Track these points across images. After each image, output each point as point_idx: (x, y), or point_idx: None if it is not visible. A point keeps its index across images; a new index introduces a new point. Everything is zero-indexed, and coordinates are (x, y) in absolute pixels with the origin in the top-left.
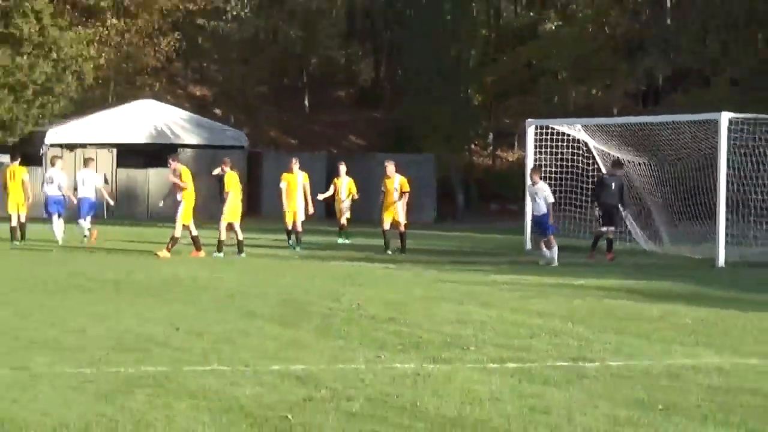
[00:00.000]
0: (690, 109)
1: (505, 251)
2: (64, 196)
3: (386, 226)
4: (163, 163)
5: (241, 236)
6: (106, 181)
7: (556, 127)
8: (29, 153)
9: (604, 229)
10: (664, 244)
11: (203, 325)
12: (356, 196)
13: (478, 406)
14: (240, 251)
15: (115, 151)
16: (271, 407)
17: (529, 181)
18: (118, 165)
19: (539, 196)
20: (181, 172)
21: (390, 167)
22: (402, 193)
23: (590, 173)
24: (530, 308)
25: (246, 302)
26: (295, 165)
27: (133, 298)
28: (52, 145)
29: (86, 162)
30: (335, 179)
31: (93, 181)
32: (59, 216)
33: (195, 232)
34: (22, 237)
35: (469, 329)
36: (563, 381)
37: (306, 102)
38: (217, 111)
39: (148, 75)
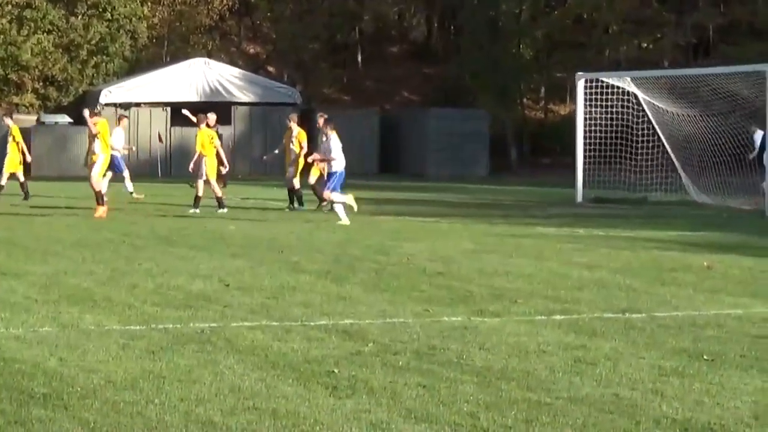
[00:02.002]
0: (740, 62)
1: (557, 204)
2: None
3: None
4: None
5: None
6: (160, 140)
7: (605, 80)
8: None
9: None
10: (715, 196)
11: (253, 280)
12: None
13: (525, 358)
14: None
15: (168, 109)
16: (318, 362)
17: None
18: (172, 124)
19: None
20: (299, 134)
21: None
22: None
23: (640, 126)
24: (579, 260)
25: (296, 257)
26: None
27: (185, 253)
28: (106, 105)
29: (119, 119)
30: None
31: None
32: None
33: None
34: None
35: (517, 282)
36: (610, 332)
37: (359, 58)
38: (271, 69)
39: (201, 33)
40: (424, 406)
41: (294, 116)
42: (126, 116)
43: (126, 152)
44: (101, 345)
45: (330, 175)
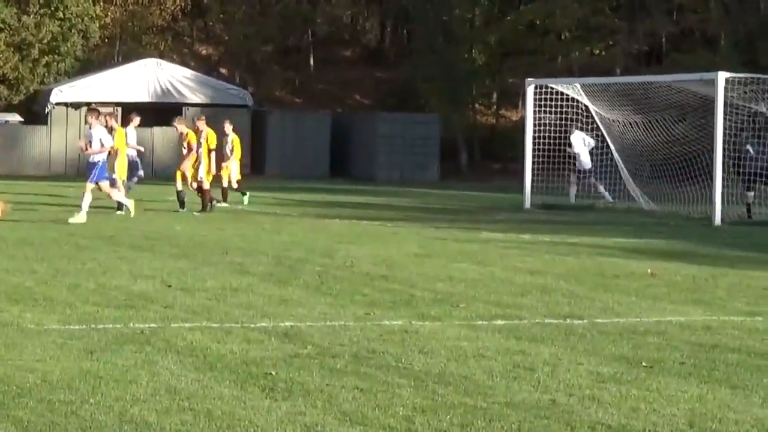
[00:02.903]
0: (691, 70)
1: (504, 210)
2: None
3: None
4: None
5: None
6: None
7: (555, 86)
8: (35, 111)
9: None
10: (661, 204)
11: (195, 281)
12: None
13: (463, 362)
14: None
15: (120, 110)
16: (256, 363)
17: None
18: (123, 124)
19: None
20: (188, 135)
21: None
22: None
23: (589, 133)
24: (523, 266)
25: (240, 259)
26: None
27: (128, 253)
28: (57, 104)
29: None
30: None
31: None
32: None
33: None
34: None
35: (460, 286)
36: (550, 338)
37: (311, 61)
38: (223, 70)
39: (153, 34)
40: (359, 410)
41: (202, 117)
42: (137, 115)
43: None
44: (39, 344)
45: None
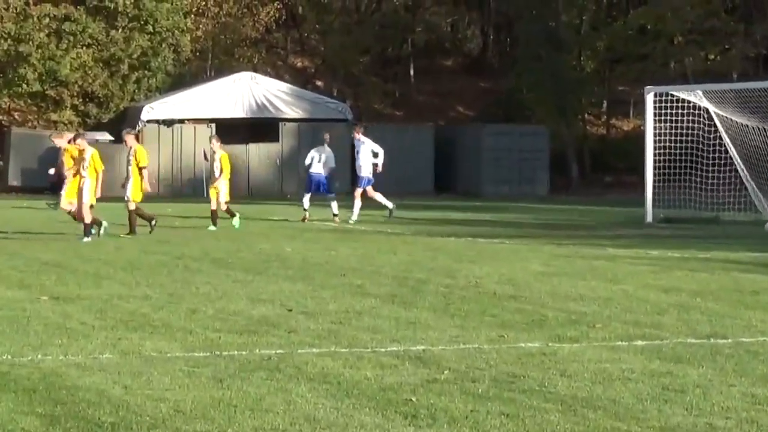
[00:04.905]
0: None
1: (624, 224)
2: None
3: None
4: (265, 138)
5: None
6: (205, 158)
7: (676, 93)
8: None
9: None
10: None
11: (316, 305)
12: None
13: (609, 385)
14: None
15: (213, 126)
16: (394, 389)
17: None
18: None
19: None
20: (136, 151)
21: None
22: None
23: (711, 142)
24: (656, 283)
25: (359, 280)
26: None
27: (242, 276)
28: (148, 122)
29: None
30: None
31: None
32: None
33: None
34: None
35: (593, 306)
36: (696, 359)
37: (411, 72)
38: (319, 83)
39: (246, 46)
40: None
41: (132, 132)
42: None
43: None
44: (166, 372)
45: None
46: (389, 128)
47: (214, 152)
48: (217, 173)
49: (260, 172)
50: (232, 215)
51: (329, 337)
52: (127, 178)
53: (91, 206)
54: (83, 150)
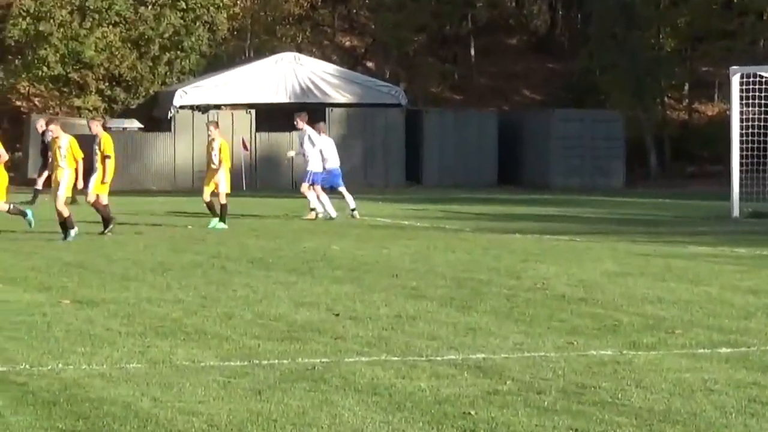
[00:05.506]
0: None
1: (707, 219)
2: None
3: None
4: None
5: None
6: (245, 147)
7: (765, 74)
8: (155, 117)
9: None
10: None
11: (366, 308)
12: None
13: (690, 397)
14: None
15: (253, 112)
16: (451, 402)
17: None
18: (258, 128)
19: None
20: (102, 140)
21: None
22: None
23: None
24: (742, 284)
25: (413, 282)
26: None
27: (284, 278)
28: (181, 108)
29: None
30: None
31: None
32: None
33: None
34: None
35: (673, 309)
36: None
37: (472, 52)
38: (370, 64)
39: (289, 24)
40: None
41: (97, 119)
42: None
43: None
44: (199, 383)
45: None
46: (447, 114)
47: (213, 140)
48: (216, 163)
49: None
50: (215, 215)
51: (380, 345)
52: (93, 169)
53: (74, 201)
54: (58, 137)
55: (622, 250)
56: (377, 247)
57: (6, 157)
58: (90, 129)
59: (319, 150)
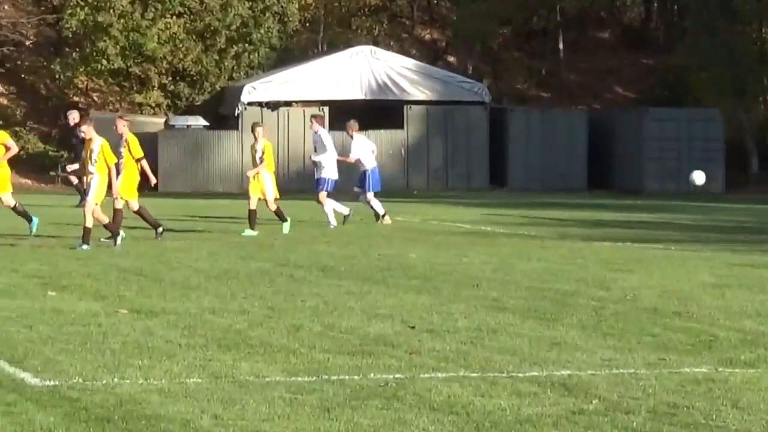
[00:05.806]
0: None
1: None
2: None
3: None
4: (387, 124)
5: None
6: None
7: None
8: (222, 114)
9: None
10: None
11: (444, 321)
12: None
13: None
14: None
15: (326, 109)
16: (532, 422)
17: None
18: (331, 127)
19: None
20: (128, 140)
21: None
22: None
23: None
24: None
25: (495, 292)
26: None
27: (356, 287)
28: (249, 104)
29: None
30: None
31: None
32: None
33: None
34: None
35: None
36: None
37: (560, 47)
38: (451, 59)
39: (365, 16)
40: None
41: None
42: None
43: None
44: (263, 399)
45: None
46: (534, 113)
47: (256, 141)
48: (259, 164)
49: (381, 162)
50: (283, 219)
51: (458, 360)
52: (118, 172)
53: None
54: (90, 140)
55: (719, 260)
56: (457, 254)
57: (16, 149)
58: (116, 128)
59: (333, 154)
